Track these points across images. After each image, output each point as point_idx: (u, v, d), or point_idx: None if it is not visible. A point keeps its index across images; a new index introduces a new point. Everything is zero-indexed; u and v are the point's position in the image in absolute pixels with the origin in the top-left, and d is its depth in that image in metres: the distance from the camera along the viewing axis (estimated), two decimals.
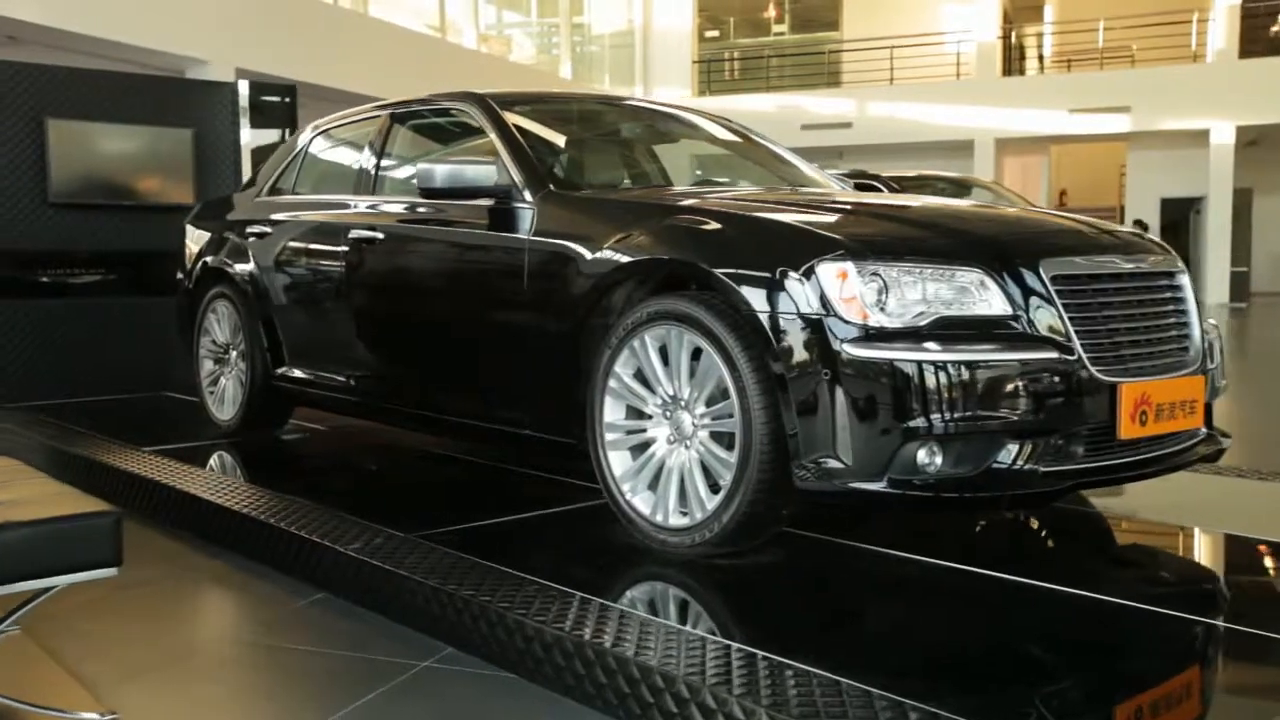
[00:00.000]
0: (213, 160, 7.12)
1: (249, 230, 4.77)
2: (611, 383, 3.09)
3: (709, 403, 2.90)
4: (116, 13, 11.10)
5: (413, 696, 2.41)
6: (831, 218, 3.04)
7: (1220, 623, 2.54)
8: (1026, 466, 2.67)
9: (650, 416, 3.06)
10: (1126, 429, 2.76)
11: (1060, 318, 2.72)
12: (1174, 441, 2.98)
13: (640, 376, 3.06)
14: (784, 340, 2.69)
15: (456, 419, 3.79)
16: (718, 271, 2.83)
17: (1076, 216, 3.24)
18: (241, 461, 4.49)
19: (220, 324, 4.95)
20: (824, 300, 2.66)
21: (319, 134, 4.78)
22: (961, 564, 2.90)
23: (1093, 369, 2.72)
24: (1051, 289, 2.73)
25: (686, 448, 2.97)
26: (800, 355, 2.67)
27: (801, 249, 2.74)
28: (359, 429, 4.99)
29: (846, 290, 2.66)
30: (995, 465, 2.66)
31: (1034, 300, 2.72)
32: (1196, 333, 3.06)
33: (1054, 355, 2.68)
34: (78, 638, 2.81)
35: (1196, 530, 3.42)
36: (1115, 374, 2.77)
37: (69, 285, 6.64)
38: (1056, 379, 2.68)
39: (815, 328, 2.66)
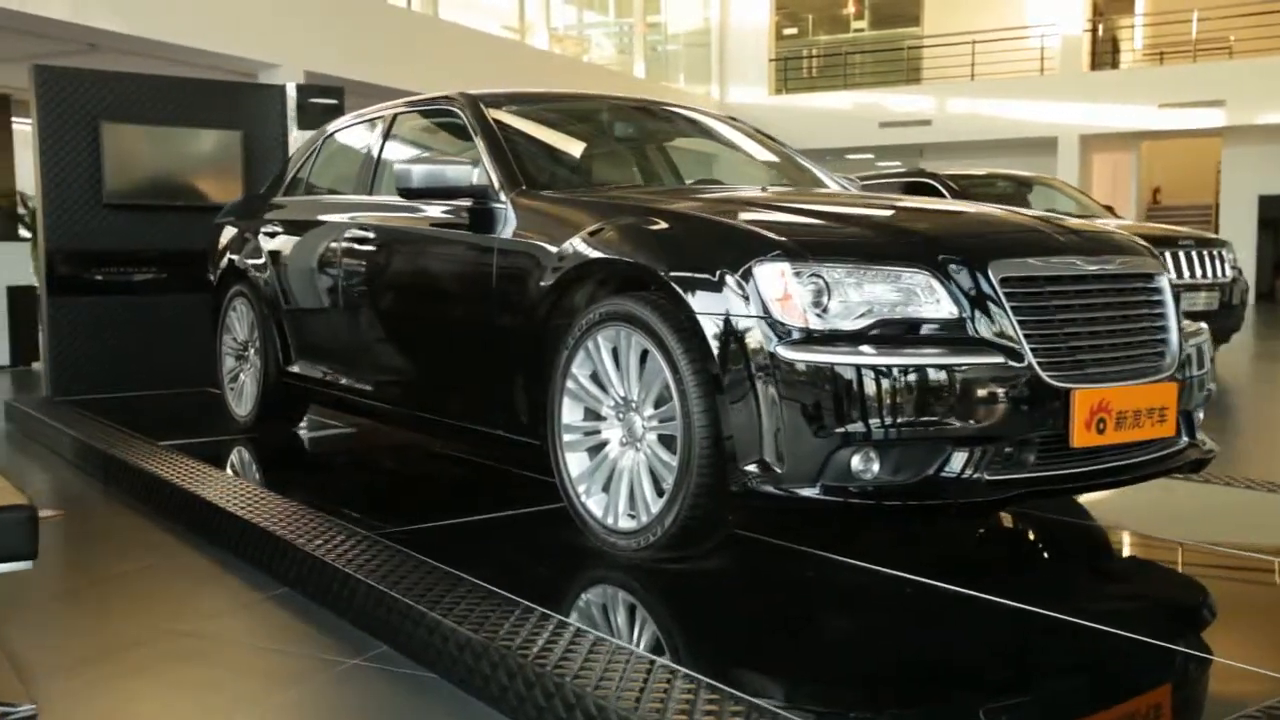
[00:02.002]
0: (262, 161, 7.27)
1: (262, 229, 4.88)
2: (569, 383, 3.08)
3: (656, 405, 2.87)
4: (192, 20, 11.42)
5: (323, 694, 2.43)
6: (781, 218, 2.98)
7: (1174, 645, 2.41)
8: (970, 475, 2.59)
9: (605, 418, 3.04)
10: (1081, 437, 2.64)
11: (1009, 321, 2.63)
12: (1144, 451, 2.85)
13: (596, 378, 3.04)
14: (722, 342, 2.65)
15: (439, 419, 3.81)
16: (662, 272, 2.79)
17: (1043, 215, 3.11)
18: (246, 457, 4.60)
19: (240, 322, 5.07)
20: (761, 302, 2.61)
21: (330, 135, 4.87)
22: (925, 578, 2.79)
23: (1044, 374, 2.62)
24: (1000, 291, 2.64)
25: (637, 450, 2.94)
26: (736, 357, 2.62)
27: (740, 250, 2.69)
28: (384, 428, 5.04)
29: (783, 292, 2.60)
30: (936, 473, 2.58)
31: (981, 303, 2.62)
32: (1174, 337, 2.92)
33: (999, 360, 2.59)
34: (34, 628, 2.89)
35: (1182, 544, 3.27)
36: (1070, 380, 2.65)
37: (121, 284, 6.85)
38: (1002, 385, 2.58)
39: (751, 330, 2.61)
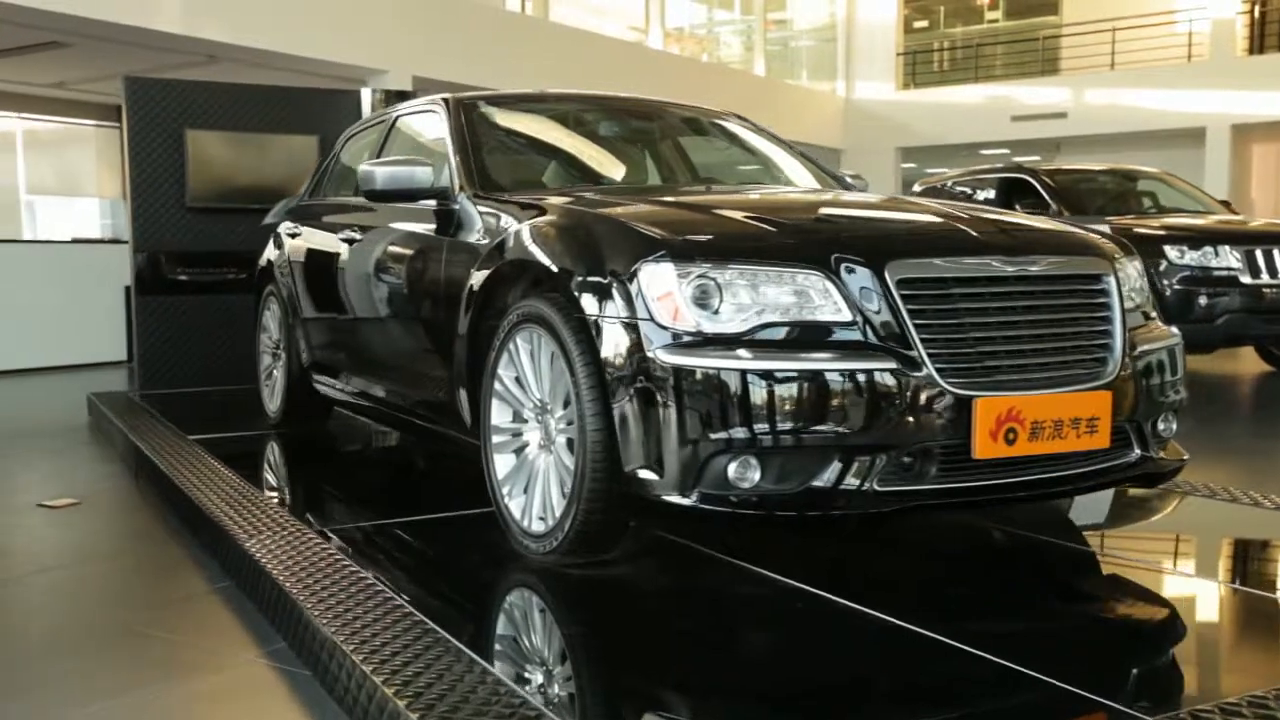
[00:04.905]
0: None
1: (286, 231, 5.04)
2: (496, 384, 3.07)
3: (565, 406, 2.83)
4: (303, 30, 11.89)
5: (192, 688, 2.48)
6: (679, 217, 2.88)
7: (1046, 678, 2.24)
8: (860, 485, 2.46)
9: (527, 420, 3.02)
10: (985, 448, 2.48)
11: (905, 325, 2.49)
12: (1073, 464, 2.65)
13: (520, 379, 3.02)
14: (609, 344, 2.60)
15: (409, 419, 3.85)
16: (559, 273, 2.77)
17: (969, 211, 2.92)
18: (257, 451, 4.75)
19: (272, 321, 5.24)
20: (645, 303, 2.55)
21: (348, 138, 4.99)
22: (825, 591, 2.68)
23: (943, 381, 2.47)
24: (896, 293, 2.50)
25: (550, 452, 2.91)
26: (621, 360, 2.57)
27: (629, 250, 2.63)
28: None
29: (666, 293, 2.53)
30: (823, 483, 2.46)
31: (875, 305, 2.49)
32: (1118, 343, 2.71)
33: (890, 365, 2.45)
34: None
35: (1147, 567, 3.04)
36: (975, 387, 2.50)
37: (203, 283, 7.20)
38: (892, 391, 2.44)
39: (635, 332, 2.55)
